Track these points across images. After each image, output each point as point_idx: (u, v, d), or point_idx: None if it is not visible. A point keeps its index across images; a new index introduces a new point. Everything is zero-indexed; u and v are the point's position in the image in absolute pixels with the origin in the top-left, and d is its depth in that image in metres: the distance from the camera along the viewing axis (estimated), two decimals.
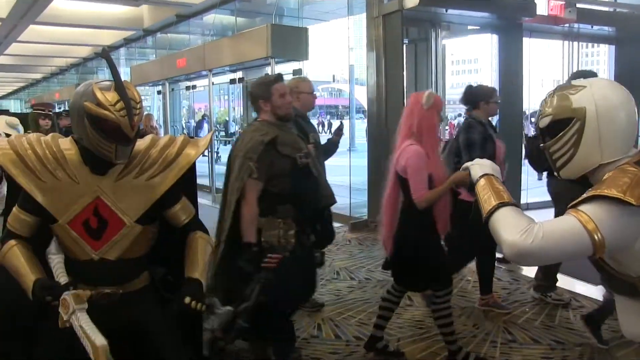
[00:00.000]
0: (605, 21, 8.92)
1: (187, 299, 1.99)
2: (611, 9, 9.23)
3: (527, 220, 1.43)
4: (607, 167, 1.51)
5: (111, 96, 1.84)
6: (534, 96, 9.54)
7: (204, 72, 10.32)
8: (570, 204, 1.44)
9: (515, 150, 8.35)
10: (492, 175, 1.66)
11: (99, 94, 1.84)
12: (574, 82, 1.60)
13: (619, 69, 9.72)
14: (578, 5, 7.99)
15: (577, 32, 9.06)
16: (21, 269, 1.90)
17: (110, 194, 1.98)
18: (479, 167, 1.70)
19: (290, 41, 8.12)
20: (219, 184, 10.72)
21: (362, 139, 18.90)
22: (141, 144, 2.08)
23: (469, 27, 8.48)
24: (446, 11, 7.11)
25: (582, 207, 1.40)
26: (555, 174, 1.67)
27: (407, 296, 4.68)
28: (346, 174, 8.37)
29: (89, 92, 1.87)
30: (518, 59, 8.06)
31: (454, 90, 17.15)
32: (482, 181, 1.63)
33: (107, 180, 1.99)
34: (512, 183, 8.18)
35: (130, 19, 12.55)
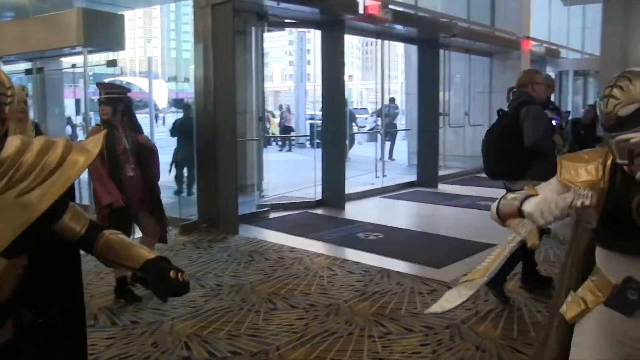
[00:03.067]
0: (412, 23, 9.63)
1: (172, 273, 1.57)
2: (414, 12, 10.01)
3: None
4: None
5: None
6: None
7: None
8: None
9: (340, 145, 8.65)
10: None
11: None
12: (635, 69, 1.56)
13: (421, 66, 10.63)
14: (390, 7, 8.51)
15: (388, 31, 9.65)
16: None
17: None
18: None
19: (105, 29, 7.29)
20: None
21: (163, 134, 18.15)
22: (8, 147, 1.52)
23: (293, 21, 8.51)
24: (278, 4, 7.00)
25: None
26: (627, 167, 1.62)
27: (268, 300, 4.51)
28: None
29: None
30: (339, 54, 8.30)
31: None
32: None
33: None
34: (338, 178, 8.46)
35: None
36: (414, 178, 10.93)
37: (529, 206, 1.66)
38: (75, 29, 7.09)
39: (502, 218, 1.82)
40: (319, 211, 8.43)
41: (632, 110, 1.54)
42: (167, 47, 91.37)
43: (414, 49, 12.00)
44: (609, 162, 1.74)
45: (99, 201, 4.37)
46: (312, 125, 21.85)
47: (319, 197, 8.75)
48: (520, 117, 4.42)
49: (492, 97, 12.96)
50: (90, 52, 7.50)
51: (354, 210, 8.43)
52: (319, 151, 8.92)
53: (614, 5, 7.31)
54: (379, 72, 10.51)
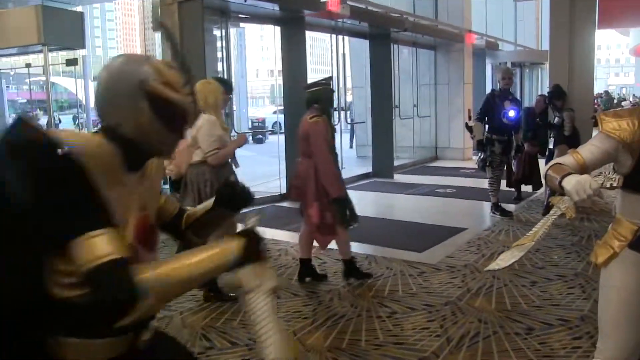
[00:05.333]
0: (367, 18, 9.91)
1: (241, 185, 1.78)
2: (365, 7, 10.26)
3: None
4: None
5: (178, 76, 1.46)
6: None
7: None
8: None
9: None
10: None
11: (166, 72, 1.43)
12: None
13: (374, 61, 10.93)
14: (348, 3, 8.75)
15: (341, 27, 9.88)
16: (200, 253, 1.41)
17: (144, 196, 1.56)
18: None
19: (65, 26, 7.11)
20: None
21: None
22: None
23: (254, 18, 8.58)
24: (245, 1, 7.08)
25: None
26: None
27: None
28: None
29: (148, 68, 1.41)
30: (302, 50, 8.46)
31: None
32: None
33: (137, 179, 1.54)
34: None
35: None
36: (367, 170, 11.24)
37: (568, 185, 1.92)
38: (34, 26, 6.87)
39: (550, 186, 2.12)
40: (286, 204, 8.52)
41: None
42: (92, 46, 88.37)
43: (359, 43, 12.36)
44: None
45: (324, 193, 4.45)
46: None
47: (283, 190, 8.85)
48: None
49: (437, 89, 13.49)
50: (50, 51, 7.30)
51: None
52: (282, 145, 9.04)
53: (560, 1, 7.85)
54: (331, 68, 10.69)
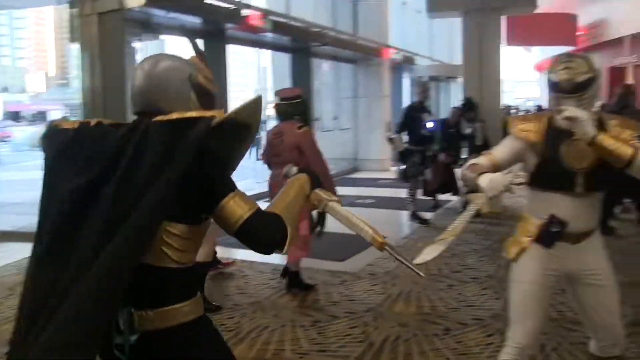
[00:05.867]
0: (289, 32, 10.06)
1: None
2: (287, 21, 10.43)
3: None
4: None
5: (210, 73, 1.77)
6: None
7: None
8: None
9: None
10: None
11: (204, 69, 1.73)
12: (572, 52, 2.23)
13: (295, 74, 11.11)
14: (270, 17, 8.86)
15: (263, 40, 9.99)
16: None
17: None
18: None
19: None
20: None
21: None
22: None
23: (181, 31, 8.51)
24: (167, 13, 7.03)
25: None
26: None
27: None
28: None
29: (191, 64, 1.70)
30: (222, 64, 8.48)
31: None
32: None
33: None
34: None
35: None
36: None
37: (483, 182, 2.22)
38: None
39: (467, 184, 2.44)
40: None
41: (586, 78, 2.22)
42: None
43: (281, 57, 12.50)
44: (545, 120, 2.37)
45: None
46: None
47: None
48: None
49: (358, 102, 13.82)
50: None
51: None
52: None
53: (470, 21, 8.32)
54: (253, 81, 10.78)
